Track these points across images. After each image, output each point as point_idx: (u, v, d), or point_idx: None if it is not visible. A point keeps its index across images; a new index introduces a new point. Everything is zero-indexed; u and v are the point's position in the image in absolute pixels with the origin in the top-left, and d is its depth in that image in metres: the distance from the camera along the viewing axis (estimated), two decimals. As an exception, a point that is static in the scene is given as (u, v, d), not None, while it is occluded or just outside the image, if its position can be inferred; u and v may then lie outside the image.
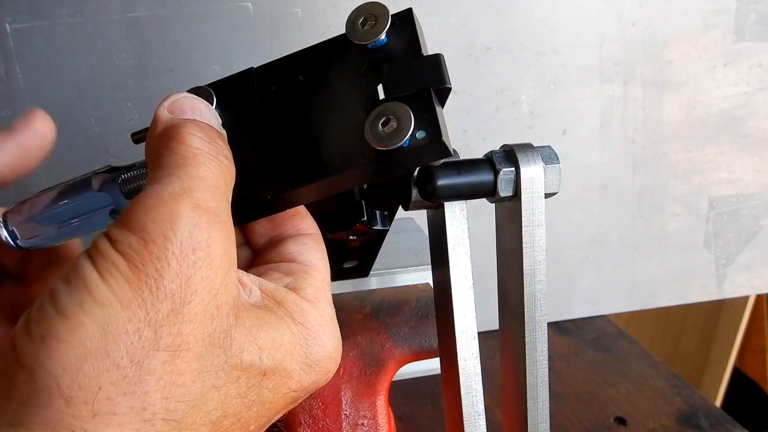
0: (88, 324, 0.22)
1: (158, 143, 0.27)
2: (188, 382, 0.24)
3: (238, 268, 0.27)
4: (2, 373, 0.22)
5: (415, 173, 0.32)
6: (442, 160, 0.31)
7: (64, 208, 0.31)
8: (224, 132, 0.29)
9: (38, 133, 0.32)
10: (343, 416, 0.41)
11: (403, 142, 0.27)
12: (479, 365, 0.33)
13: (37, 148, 0.32)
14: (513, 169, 0.32)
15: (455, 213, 0.33)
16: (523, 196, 0.32)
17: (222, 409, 0.25)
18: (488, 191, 0.32)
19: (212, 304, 0.24)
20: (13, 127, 0.31)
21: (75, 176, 0.33)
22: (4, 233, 0.31)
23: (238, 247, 0.27)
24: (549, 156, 0.33)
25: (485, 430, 0.34)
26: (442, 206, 0.32)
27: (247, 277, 0.28)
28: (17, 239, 0.31)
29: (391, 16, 0.29)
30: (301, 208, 0.33)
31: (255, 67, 0.32)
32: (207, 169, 0.26)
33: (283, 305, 0.28)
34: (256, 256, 0.34)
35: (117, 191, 0.31)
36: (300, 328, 0.28)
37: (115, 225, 0.24)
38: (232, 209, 0.26)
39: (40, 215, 0.31)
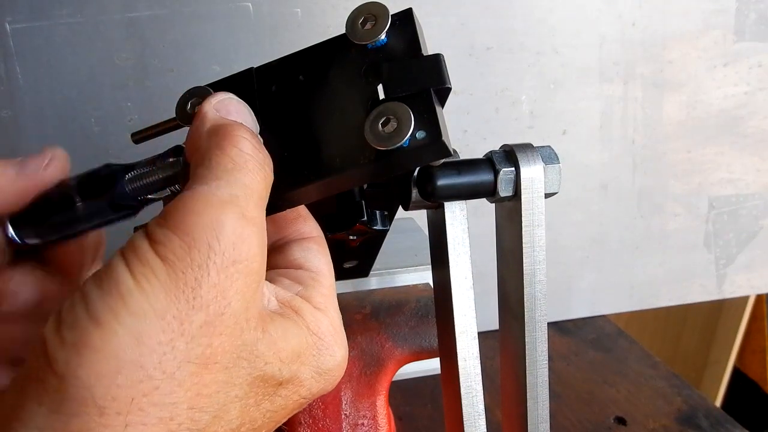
0: (122, 334, 0.22)
1: (208, 141, 0.26)
2: (213, 393, 0.24)
3: None
4: (33, 378, 0.22)
5: (415, 173, 0.32)
6: (442, 160, 0.31)
7: (67, 203, 0.31)
8: (261, 140, 0.29)
9: (47, 180, 0.31)
10: (343, 416, 0.41)
11: (403, 142, 0.27)
12: (479, 365, 0.33)
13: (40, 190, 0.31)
14: (513, 169, 0.32)
15: (455, 213, 0.33)
16: (523, 196, 0.32)
17: (241, 417, 0.26)
18: (488, 191, 0.32)
19: (243, 317, 0.24)
20: (26, 165, 0.31)
21: (77, 174, 0.32)
22: (11, 231, 0.31)
23: None
24: (549, 156, 0.33)
25: (485, 430, 0.34)
26: (442, 206, 0.32)
27: (265, 286, 0.28)
28: (24, 236, 0.31)
29: (391, 16, 0.29)
30: (304, 211, 0.33)
31: (255, 67, 0.32)
32: (254, 177, 0.26)
33: (300, 315, 0.28)
34: None
35: (122, 187, 0.31)
36: (314, 338, 0.28)
37: (157, 224, 0.24)
38: None
39: (46, 211, 0.31)
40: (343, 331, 0.30)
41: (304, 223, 0.33)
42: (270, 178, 0.27)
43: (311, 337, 0.28)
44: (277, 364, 0.26)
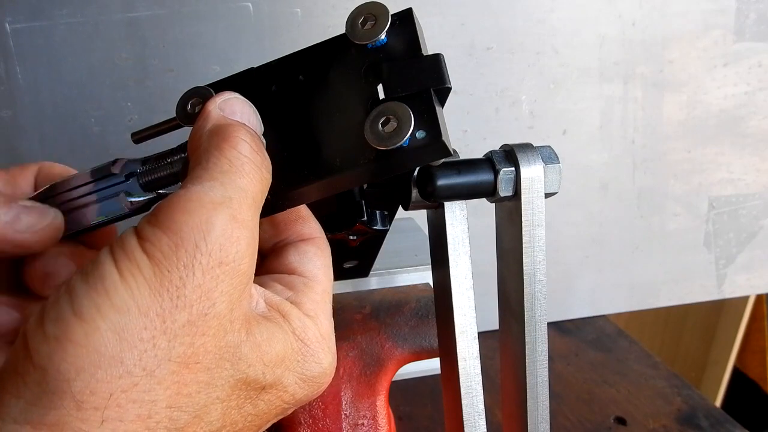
0: (105, 329, 0.22)
1: (208, 141, 0.27)
2: (193, 393, 0.24)
3: None
4: (13, 371, 0.22)
5: (415, 173, 0.32)
6: (442, 160, 0.31)
7: (79, 192, 0.31)
8: (264, 141, 0.29)
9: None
10: (343, 416, 0.41)
11: (403, 142, 0.27)
12: (479, 365, 0.33)
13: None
14: (513, 169, 0.32)
15: (455, 213, 0.33)
16: (523, 196, 0.32)
17: (222, 420, 0.26)
18: (488, 191, 0.32)
19: (227, 318, 0.24)
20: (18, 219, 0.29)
21: (85, 169, 0.32)
22: None
23: None
24: (549, 156, 0.32)
25: (485, 430, 0.34)
26: (442, 206, 0.32)
27: (254, 289, 0.28)
28: None
29: (391, 15, 0.29)
30: (305, 212, 0.33)
31: (255, 67, 0.32)
32: (250, 180, 0.26)
33: (287, 319, 0.28)
34: (259, 262, 0.33)
35: (134, 180, 0.31)
36: (299, 344, 0.28)
37: (147, 221, 0.24)
38: None
39: (55, 201, 0.31)
40: (333, 339, 0.30)
41: (305, 225, 0.32)
42: (267, 181, 0.27)
43: (296, 343, 0.28)
44: (261, 368, 0.26)
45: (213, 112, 0.28)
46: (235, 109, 0.28)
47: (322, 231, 0.33)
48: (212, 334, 0.24)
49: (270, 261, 0.32)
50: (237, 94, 0.29)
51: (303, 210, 0.33)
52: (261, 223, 0.29)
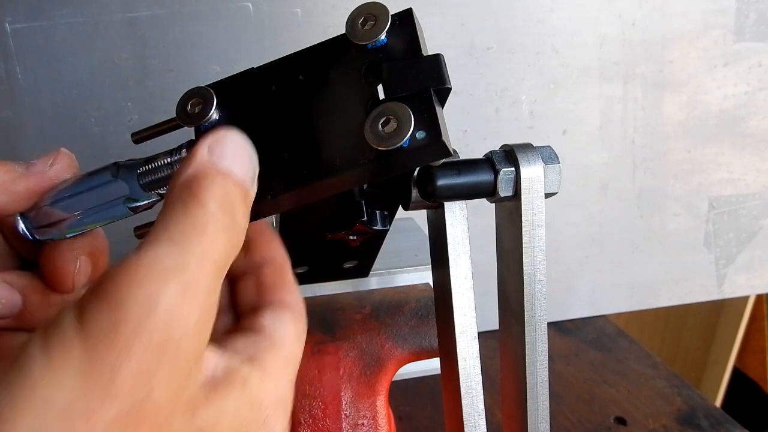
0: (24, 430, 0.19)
1: (179, 192, 0.24)
2: None
3: (213, 337, 0.24)
4: None
5: (415, 173, 0.32)
6: (442, 160, 0.31)
7: (80, 197, 0.31)
8: (255, 188, 0.27)
9: (53, 177, 0.30)
10: (343, 416, 0.41)
11: (403, 142, 0.27)
12: (479, 365, 0.33)
13: (47, 190, 0.30)
14: (513, 169, 0.32)
15: (455, 213, 0.33)
16: (523, 196, 0.32)
17: None
18: (488, 191, 0.32)
19: (167, 405, 0.22)
20: (32, 165, 0.30)
21: (88, 171, 0.32)
22: (22, 226, 0.31)
23: (221, 312, 0.25)
24: (549, 156, 0.33)
25: (485, 430, 0.34)
26: (442, 206, 0.32)
27: (212, 352, 0.25)
28: (34, 232, 0.31)
29: (391, 16, 0.29)
30: (291, 283, 0.31)
31: (255, 67, 0.32)
32: (213, 243, 0.23)
33: (246, 384, 0.25)
34: (236, 321, 0.31)
35: (134, 181, 0.31)
36: (253, 413, 0.25)
37: (92, 291, 0.22)
38: None
39: (57, 205, 0.31)
40: (290, 403, 0.28)
41: (289, 294, 0.30)
42: (236, 245, 0.25)
43: (250, 413, 0.25)
44: None
45: (198, 155, 0.25)
46: (226, 152, 0.26)
47: (303, 302, 0.31)
48: (148, 425, 0.21)
49: (246, 319, 0.30)
50: (235, 131, 0.27)
51: (290, 280, 0.31)
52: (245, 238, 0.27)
